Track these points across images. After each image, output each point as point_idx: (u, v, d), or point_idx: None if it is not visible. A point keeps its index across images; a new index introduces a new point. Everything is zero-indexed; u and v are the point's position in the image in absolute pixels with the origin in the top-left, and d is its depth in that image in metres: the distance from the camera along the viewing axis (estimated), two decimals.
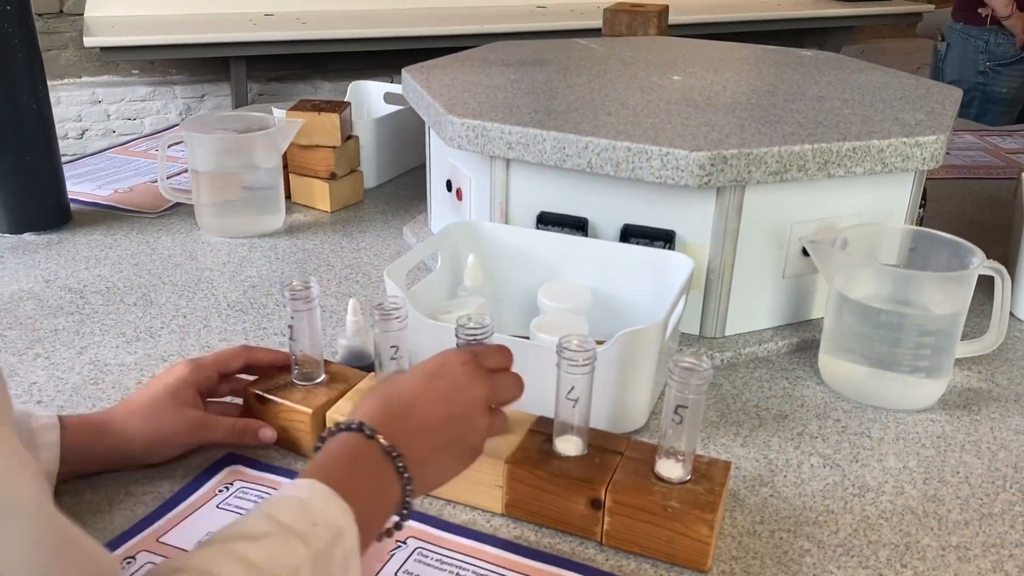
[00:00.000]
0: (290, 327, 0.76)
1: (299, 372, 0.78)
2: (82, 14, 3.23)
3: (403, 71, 1.19)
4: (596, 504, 0.66)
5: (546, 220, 0.97)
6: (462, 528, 0.68)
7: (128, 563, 0.64)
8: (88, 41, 2.94)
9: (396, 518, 0.56)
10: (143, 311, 1.01)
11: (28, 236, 1.20)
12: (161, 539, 0.66)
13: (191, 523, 0.68)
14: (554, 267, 0.92)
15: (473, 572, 0.64)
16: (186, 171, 1.29)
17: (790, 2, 4.08)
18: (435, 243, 0.92)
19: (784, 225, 0.93)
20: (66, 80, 3.35)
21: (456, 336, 0.66)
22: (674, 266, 0.86)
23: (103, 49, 2.98)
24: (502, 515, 0.70)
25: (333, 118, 1.26)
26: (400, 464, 0.55)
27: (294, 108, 1.29)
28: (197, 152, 1.19)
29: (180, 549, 0.65)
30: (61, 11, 3.28)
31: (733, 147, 0.85)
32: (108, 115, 3.41)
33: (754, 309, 0.96)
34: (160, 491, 0.71)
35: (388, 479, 0.55)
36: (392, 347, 0.72)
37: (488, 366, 0.62)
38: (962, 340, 0.88)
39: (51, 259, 1.14)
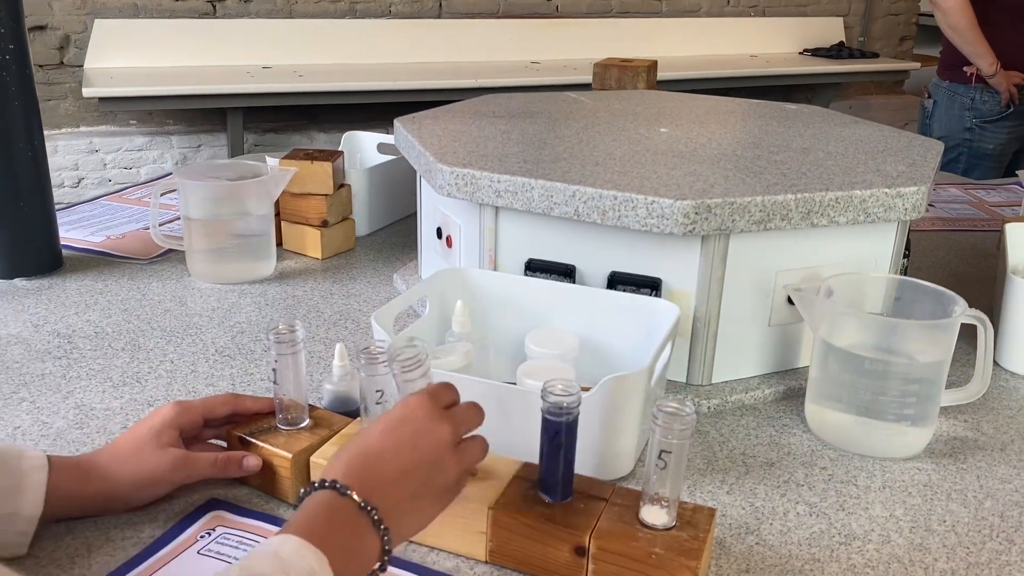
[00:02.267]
0: (274, 371, 0.76)
1: (283, 416, 0.78)
2: (82, 66, 3.28)
3: (395, 121, 1.21)
4: (580, 551, 0.65)
5: (534, 267, 0.97)
6: None
7: None
8: (87, 92, 2.98)
9: (377, 565, 0.57)
10: (131, 356, 1.01)
11: (19, 281, 1.20)
12: None
13: (172, 569, 0.67)
14: (542, 314, 0.92)
15: None
16: (179, 218, 1.30)
17: (779, 59, 4.16)
18: (423, 289, 0.92)
19: (769, 274, 0.94)
20: (64, 129, 3.39)
21: (391, 365, 0.67)
22: (660, 313, 0.87)
23: (102, 100, 3.03)
24: (486, 562, 0.69)
25: (325, 166, 1.28)
26: (376, 516, 0.57)
27: (287, 157, 1.31)
28: (190, 199, 1.20)
29: None
30: (61, 63, 3.33)
31: (717, 196, 0.87)
32: (104, 164, 3.44)
33: (740, 357, 0.97)
34: (141, 536, 0.71)
35: (365, 531, 0.57)
36: (377, 391, 0.72)
37: (443, 403, 0.64)
38: (947, 389, 0.89)
39: (41, 304, 1.14)
